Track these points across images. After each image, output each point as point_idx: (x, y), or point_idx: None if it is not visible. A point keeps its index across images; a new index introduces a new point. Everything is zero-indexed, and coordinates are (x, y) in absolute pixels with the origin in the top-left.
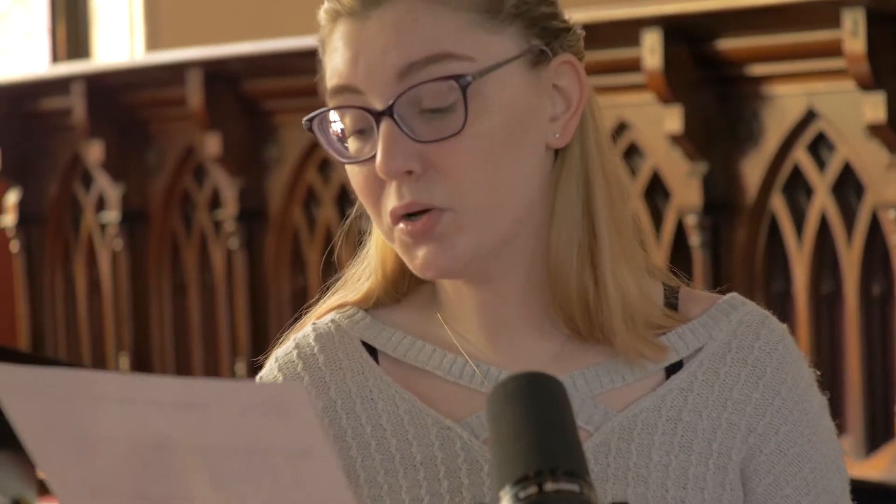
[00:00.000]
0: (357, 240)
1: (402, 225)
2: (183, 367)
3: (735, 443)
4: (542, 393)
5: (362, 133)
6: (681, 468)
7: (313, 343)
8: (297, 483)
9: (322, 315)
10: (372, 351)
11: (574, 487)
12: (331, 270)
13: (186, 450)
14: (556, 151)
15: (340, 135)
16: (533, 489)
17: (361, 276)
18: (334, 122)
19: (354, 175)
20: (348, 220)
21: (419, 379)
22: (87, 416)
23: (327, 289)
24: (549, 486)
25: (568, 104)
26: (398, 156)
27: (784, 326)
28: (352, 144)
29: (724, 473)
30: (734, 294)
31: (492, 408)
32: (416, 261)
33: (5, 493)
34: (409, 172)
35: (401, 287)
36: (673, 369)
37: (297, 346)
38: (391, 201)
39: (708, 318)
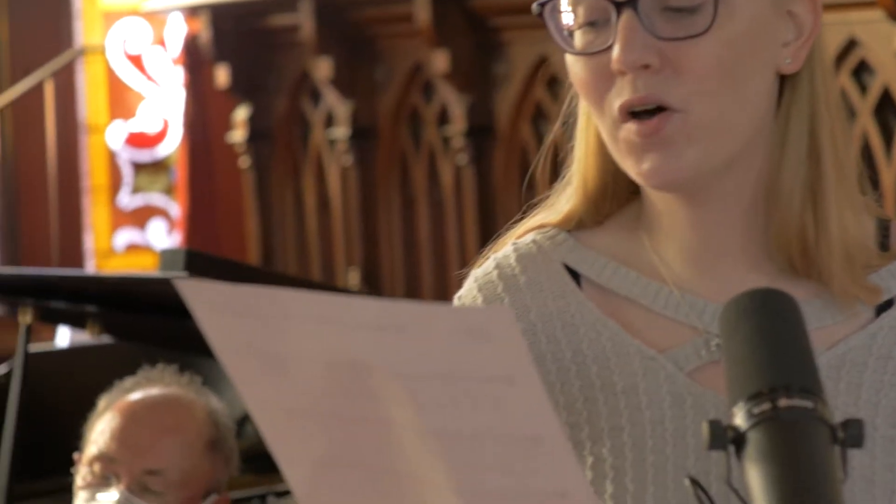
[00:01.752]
0: (558, 161)
1: (630, 124)
2: (412, 283)
3: None
4: (776, 309)
5: (593, 25)
6: (891, 407)
7: (514, 263)
8: (501, 408)
9: (522, 235)
10: (574, 275)
11: (808, 404)
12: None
13: (384, 372)
14: (782, 80)
15: (569, 26)
16: (767, 405)
17: (563, 196)
18: (564, 12)
19: (580, 69)
20: (549, 139)
21: (622, 307)
22: (282, 335)
23: (529, 209)
24: (783, 403)
25: (800, 31)
26: (637, 48)
27: None
28: (580, 37)
29: None
30: None
31: (726, 323)
32: (642, 166)
33: (234, 408)
34: (646, 66)
35: (603, 208)
36: (883, 307)
37: (497, 266)
38: (623, 94)
39: None
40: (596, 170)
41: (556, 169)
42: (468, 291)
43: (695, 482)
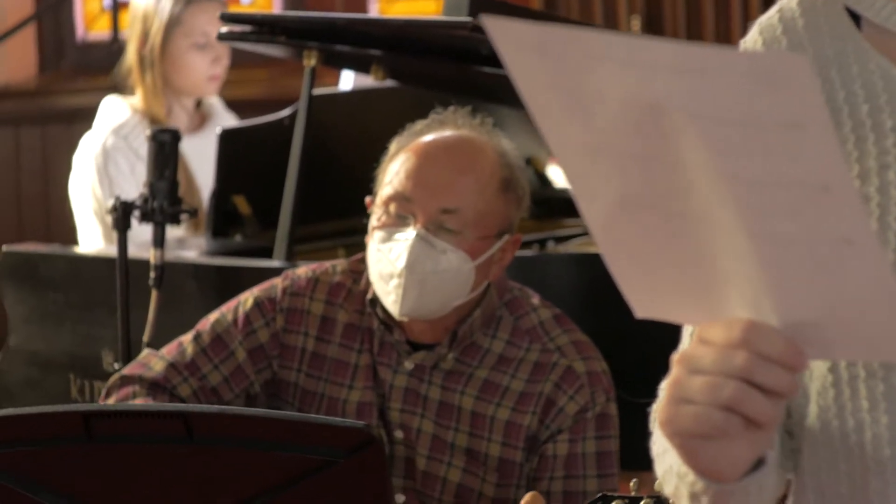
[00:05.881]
0: None
1: None
2: (693, 32)
3: None
4: None
5: None
6: None
7: (795, 7)
8: (792, 156)
9: None
10: (854, 17)
11: None
12: None
13: (681, 115)
14: None
15: None
16: None
17: None
18: None
19: None
20: None
21: None
22: (585, 74)
23: None
24: None
25: None
26: None
27: None
28: None
29: None
30: None
31: None
32: None
33: (521, 150)
34: None
35: None
36: None
37: (779, 11)
38: None
39: None
40: None
41: None
42: (751, 36)
43: None
